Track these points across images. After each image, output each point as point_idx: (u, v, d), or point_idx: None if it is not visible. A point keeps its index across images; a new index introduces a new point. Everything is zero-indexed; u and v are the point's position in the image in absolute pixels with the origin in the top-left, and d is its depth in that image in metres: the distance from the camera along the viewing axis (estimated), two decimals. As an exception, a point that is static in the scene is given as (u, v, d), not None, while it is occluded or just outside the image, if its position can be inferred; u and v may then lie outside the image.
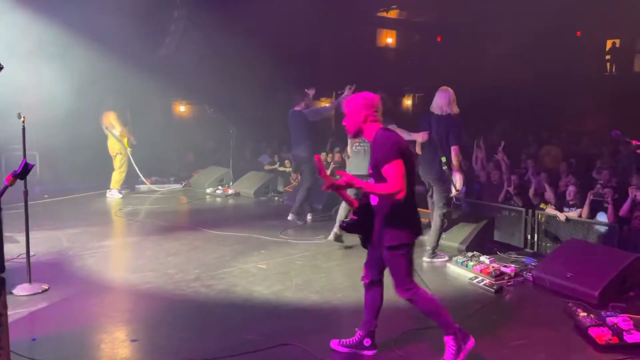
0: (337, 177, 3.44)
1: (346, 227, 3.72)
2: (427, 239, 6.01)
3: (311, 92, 7.80)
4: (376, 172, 3.40)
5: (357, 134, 3.54)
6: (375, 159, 3.42)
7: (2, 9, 9.02)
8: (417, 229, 3.54)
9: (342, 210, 6.38)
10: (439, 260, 5.99)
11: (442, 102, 5.77)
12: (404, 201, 3.32)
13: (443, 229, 6.03)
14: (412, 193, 3.44)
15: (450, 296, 4.93)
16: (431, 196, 6.15)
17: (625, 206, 6.39)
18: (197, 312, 4.49)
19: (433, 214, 6.09)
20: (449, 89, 5.80)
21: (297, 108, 7.68)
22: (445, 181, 5.83)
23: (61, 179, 10.35)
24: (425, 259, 5.97)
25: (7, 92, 7.89)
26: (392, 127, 4.95)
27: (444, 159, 5.72)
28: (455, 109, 5.78)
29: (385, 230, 3.44)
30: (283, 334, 3.99)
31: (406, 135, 5.64)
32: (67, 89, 9.79)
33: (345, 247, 6.37)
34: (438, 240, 6.03)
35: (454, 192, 5.79)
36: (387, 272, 3.57)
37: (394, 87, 19.21)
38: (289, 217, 7.71)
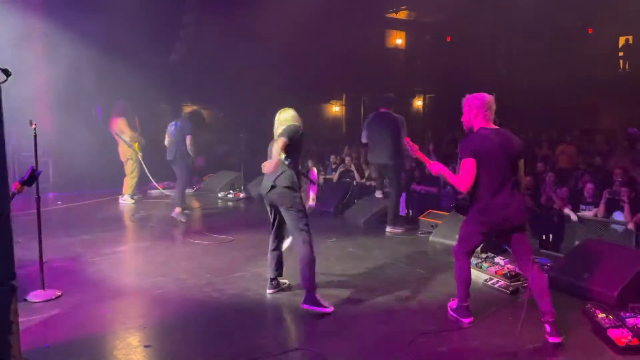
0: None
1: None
2: None
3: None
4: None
5: (469, 130, 4.09)
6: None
7: (15, 18, 9.11)
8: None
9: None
10: None
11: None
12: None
13: None
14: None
15: (464, 298, 4.86)
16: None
17: None
18: (209, 317, 4.47)
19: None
20: None
21: (382, 110, 7.18)
22: None
23: (74, 185, 10.41)
24: None
25: (19, 99, 7.95)
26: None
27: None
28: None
29: None
30: (296, 339, 3.96)
31: None
32: (79, 94, 9.87)
33: (356, 250, 6.32)
34: None
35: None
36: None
37: (404, 88, 19.19)
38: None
